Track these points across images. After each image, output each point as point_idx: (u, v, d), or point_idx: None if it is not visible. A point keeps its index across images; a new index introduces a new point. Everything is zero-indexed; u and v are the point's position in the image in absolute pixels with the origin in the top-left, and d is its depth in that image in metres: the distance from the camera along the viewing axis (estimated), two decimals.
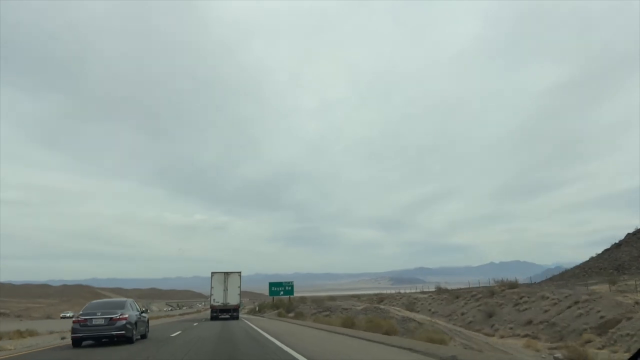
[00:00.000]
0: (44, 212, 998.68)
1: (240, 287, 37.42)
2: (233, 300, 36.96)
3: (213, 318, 36.65)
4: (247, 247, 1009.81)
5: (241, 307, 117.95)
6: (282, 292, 58.52)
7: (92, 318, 15.68)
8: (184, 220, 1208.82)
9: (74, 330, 15.64)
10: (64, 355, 13.60)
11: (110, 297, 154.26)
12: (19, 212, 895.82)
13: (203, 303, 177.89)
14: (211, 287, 37.24)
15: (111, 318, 15.68)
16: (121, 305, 16.80)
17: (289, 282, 60.21)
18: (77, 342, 15.57)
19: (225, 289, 36.79)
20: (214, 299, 37.01)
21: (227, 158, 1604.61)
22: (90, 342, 15.98)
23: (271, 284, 59.31)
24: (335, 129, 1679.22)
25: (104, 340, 15.89)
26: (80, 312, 16.47)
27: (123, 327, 15.72)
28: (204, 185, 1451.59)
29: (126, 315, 16.12)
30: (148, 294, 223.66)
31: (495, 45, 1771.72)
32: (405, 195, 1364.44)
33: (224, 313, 36.86)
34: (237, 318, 36.58)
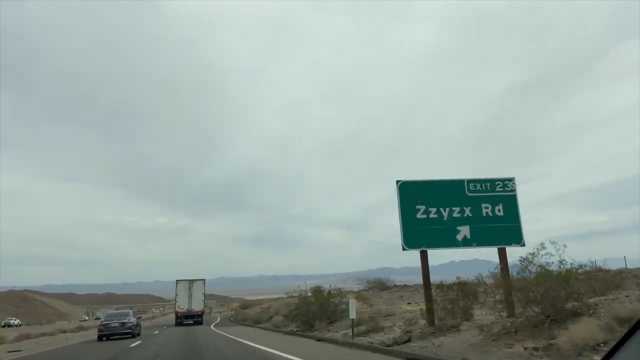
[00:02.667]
0: None
1: (204, 293, 39.58)
2: (197, 306, 38.71)
3: (178, 324, 38.10)
4: (211, 249, 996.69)
5: (210, 310, 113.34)
6: (467, 235, 14.60)
7: (110, 322, 25.65)
8: (144, 223, 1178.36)
9: (99, 330, 25.58)
10: (96, 345, 22.55)
11: (41, 301, 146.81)
12: None
13: (162, 308, 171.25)
14: (176, 294, 38.85)
15: (123, 322, 25.52)
16: (127, 314, 27.42)
17: (505, 181, 15.42)
18: (100, 338, 25.13)
19: (190, 296, 38.51)
20: (178, 306, 38.58)
21: (188, 159, 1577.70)
22: (104, 338, 24.95)
23: (413, 187, 15.46)
24: (299, 129, 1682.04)
25: (116, 336, 25.04)
26: (103, 319, 27.46)
27: (130, 327, 25.45)
28: (165, 187, 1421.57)
29: (131, 320, 26.21)
30: (102, 299, 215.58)
31: (454, 47, 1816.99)
32: (369, 195, 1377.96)
33: (188, 319, 38.26)
34: (200, 323, 37.94)
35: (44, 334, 37.36)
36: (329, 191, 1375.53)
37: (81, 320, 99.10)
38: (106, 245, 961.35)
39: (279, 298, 50.24)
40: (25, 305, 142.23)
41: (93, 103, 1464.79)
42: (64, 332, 42.09)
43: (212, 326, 35.50)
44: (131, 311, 29.82)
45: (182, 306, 38.42)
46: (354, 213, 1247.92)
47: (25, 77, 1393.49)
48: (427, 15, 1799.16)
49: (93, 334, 32.76)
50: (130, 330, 25.40)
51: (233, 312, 73.63)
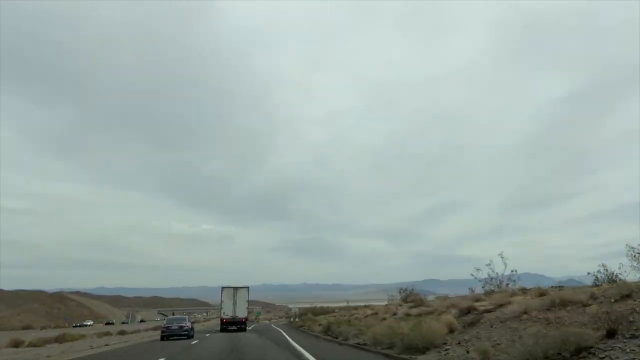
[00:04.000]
0: (52, 221, 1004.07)
1: (248, 300, 40.45)
2: (241, 313, 39.62)
3: (222, 330, 39.25)
4: (254, 256, 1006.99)
5: (258, 316, 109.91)
6: None
7: (171, 325, 30.91)
8: (191, 229, 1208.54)
9: (162, 331, 30.63)
10: (160, 343, 26.25)
11: (78, 302, 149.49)
12: (27, 221, 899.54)
13: (205, 313, 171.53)
14: (221, 301, 40.11)
15: (181, 326, 30.92)
16: (184, 319, 33.24)
17: None
18: (163, 338, 30.00)
19: (235, 303, 39.56)
20: (223, 312, 39.85)
21: (234, 167, 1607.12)
22: (165, 339, 29.91)
23: None
24: (342, 139, 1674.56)
25: (175, 337, 30.03)
26: (165, 322, 32.72)
27: (187, 329, 30.81)
28: (211, 194, 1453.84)
29: (188, 324, 31.83)
30: (148, 303, 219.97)
31: (504, 55, 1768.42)
32: (413, 206, 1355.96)
33: (233, 325, 39.39)
34: (244, 330, 39.15)
35: None
36: (372, 201, 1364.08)
37: (76, 326, 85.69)
38: (156, 250, 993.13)
39: (384, 305, 35.90)
40: (59, 306, 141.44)
41: (147, 113, 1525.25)
42: (16, 346, 32.07)
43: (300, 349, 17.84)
44: (187, 317, 36.59)
45: (227, 313, 39.54)
46: (397, 224, 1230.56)
47: (84, 89, 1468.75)
48: (476, 22, 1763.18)
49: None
50: (186, 332, 30.73)
51: (296, 320, 54.10)
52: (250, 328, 43.82)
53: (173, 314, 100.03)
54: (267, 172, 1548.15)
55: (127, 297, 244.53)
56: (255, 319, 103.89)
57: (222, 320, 39.91)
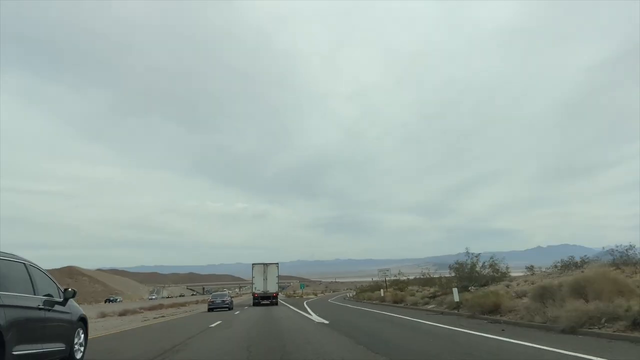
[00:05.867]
0: (92, 203, 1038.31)
1: (278, 276, 42.30)
2: (272, 288, 41.78)
3: (255, 304, 41.44)
4: (288, 233, 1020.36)
5: (301, 291, 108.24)
6: None
7: (215, 300, 37.65)
8: (225, 208, 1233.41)
9: (209, 304, 37.40)
10: (209, 314, 30.69)
11: (91, 277, 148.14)
12: (69, 204, 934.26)
13: (238, 288, 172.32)
14: (252, 277, 42.25)
15: (223, 300, 37.48)
16: (225, 295, 39.82)
17: None
18: (210, 310, 35.89)
19: (265, 279, 41.56)
20: (255, 287, 41.98)
21: (265, 146, 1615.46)
22: (211, 310, 35.23)
23: None
24: (371, 114, 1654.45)
25: (219, 309, 35.90)
26: (210, 297, 40.35)
27: (228, 302, 37.11)
28: (244, 174, 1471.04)
29: (228, 298, 38.21)
30: (183, 279, 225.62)
31: (537, 20, 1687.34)
32: (445, 180, 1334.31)
33: (265, 300, 41.46)
34: (276, 304, 41.16)
35: None
36: (404, 176, 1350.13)
37: None
38: (193, 229, 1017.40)
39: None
40: (68, 282, 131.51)
41: (177, 95, 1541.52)
42: None
43: None
44: (227, 292, 44.56)
45: (259, 288, 41.62)
46: (430, 198, 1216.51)
47: (115, 73, 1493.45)
48: None
49: None
50: (227, 305, 36.83)
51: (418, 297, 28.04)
52: (310, 314, 25.12)
53: (203, 290, 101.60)
54: (299, 150, 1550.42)
55: (163, 275, 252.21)
56: (295, 293, 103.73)
57: (254, 295, 42.31)
